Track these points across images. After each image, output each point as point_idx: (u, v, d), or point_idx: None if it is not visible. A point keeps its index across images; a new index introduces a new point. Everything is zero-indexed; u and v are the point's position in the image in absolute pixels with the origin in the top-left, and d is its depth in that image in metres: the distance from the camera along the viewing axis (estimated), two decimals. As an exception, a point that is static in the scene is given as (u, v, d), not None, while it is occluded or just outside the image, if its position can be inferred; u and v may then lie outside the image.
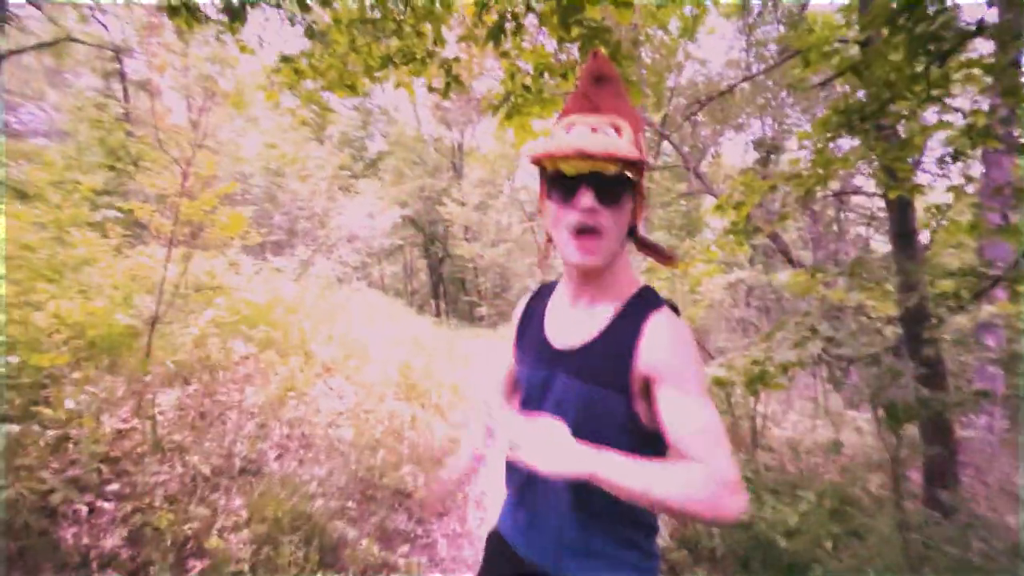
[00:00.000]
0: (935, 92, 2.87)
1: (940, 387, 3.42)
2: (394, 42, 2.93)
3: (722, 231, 3.41)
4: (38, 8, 11.46)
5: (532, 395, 0.93)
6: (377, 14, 2.77)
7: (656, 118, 12.76)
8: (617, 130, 0.83)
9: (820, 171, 3.23)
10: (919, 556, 1.88)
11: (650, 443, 0.84)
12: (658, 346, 0.83)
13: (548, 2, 2.63)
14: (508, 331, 1.08)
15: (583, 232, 0.82)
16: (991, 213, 6.10)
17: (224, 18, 2.14)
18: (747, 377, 2.78)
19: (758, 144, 12.66)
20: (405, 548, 2.33)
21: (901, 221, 3.97)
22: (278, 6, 2.36)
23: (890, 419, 2.39)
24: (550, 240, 0.91)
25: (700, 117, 12.34)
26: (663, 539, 2.38)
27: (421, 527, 2.54)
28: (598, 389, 0.85)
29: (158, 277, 4.26)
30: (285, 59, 2.73)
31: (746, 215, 3.31)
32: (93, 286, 4.03)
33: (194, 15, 2.17)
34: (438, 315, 11.65)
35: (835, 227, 11.55)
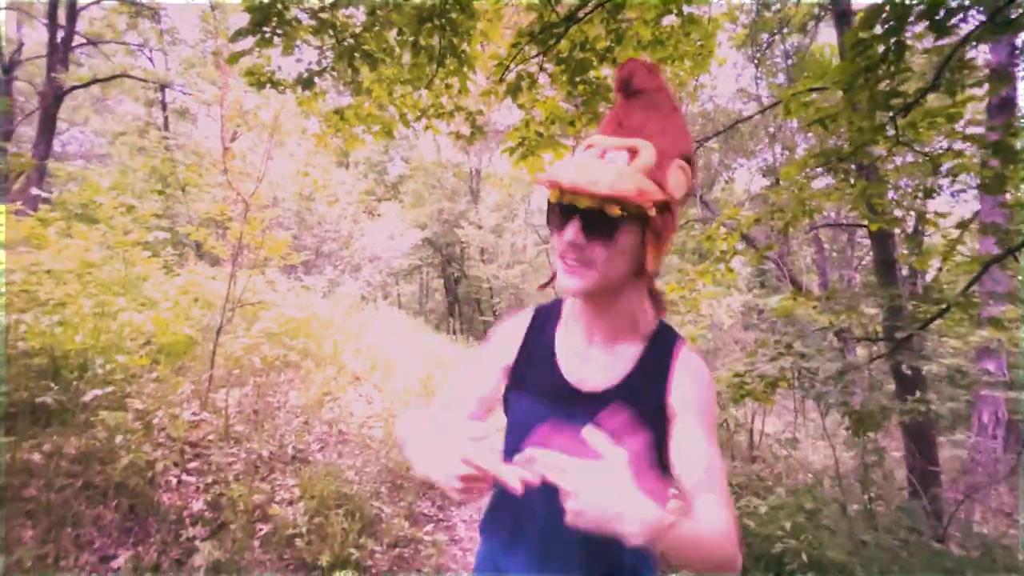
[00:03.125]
0: (903, 138, 3.28)
1: (923, 414, 3.73)
2: (426, 93, 3.44)
3: (712, 259, 3.79)
4: (94, 45, 12.47)
5: (535, 432, 0.78)
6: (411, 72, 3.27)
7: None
8: (632, 154, 0.74)
9: (799, 206, 3.62)
10: (860, 540, 2.21)
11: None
12: (686, 382, 0.81)
13: (558, 65, 3.11)
14: (489, 352, 0.93)
15: (567, 260, 0.77)
16: (990, 244, 6.41)
17: (298, 87, 2.66)
18: (731, 388, 3.14)
19: (766, 172, 13.04)
20: (429, 527, 2.71)
21: (882, 250, 4.33)
22: (333, 69, 2.86)
23: (854, 425, 2.73)
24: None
25: (712, 144, 12.78)
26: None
27: (443, 512, 2.93)
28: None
29: (209, 292, 4.78)
30: (337, 111, 3.24)
31: (733, 244, 3.71)
32: (151, 300, 4.55)
33: (275, 86, 2.70)
34: (453, 333, 12.09)
35: (848, 253, 11.81)
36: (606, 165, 0.74)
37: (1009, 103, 6.36)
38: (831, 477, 3.17)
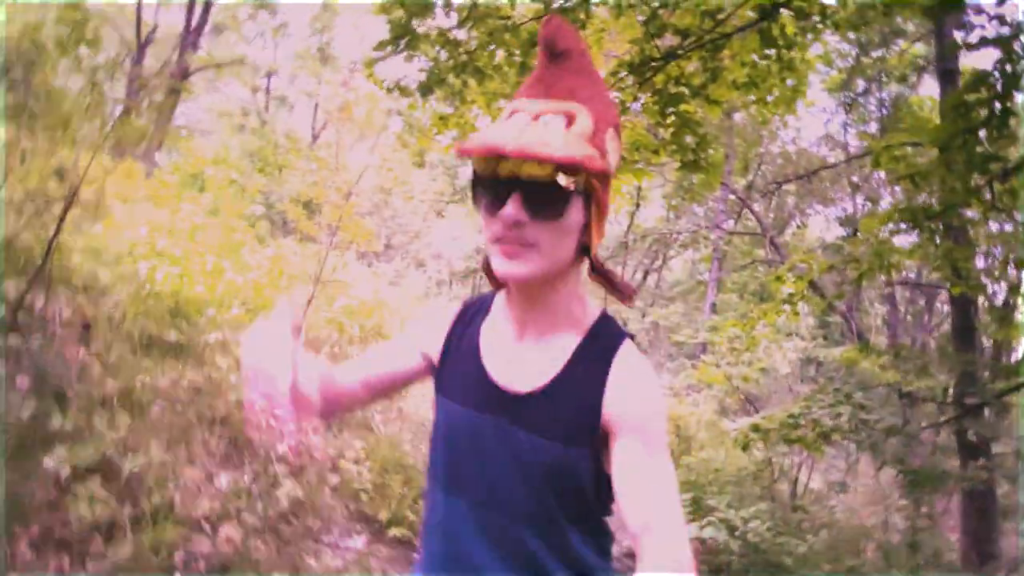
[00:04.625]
0: (999, 204, 3.22)
1: (986, 483, 3.57)
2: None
3: (778, 300, 3.80)
4: (220, 31, 13.78)
5: (459, 442, 0.74)
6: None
7: (741, 183, 13.01)
8: (569, 119, 0.65)
9: (877, 259, 3.58)
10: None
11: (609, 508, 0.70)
12: (626, 389, 0.69)
13: (651, 96, 3.28)
14: (407, 333, 0.91)
15: (505, 242, 0.65)
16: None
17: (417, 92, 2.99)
18: (783, 428, 3.15)
19: (844, 222, 12.56)
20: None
21: (962, 316, 4.17)
22: (444, 81, 3.17)
23: (910, 485, 2.69)
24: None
25: (788, 186, 12.45)
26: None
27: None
28: (567, 450, 0.68)
29: (295, 265, 5.23)
30: (443, 117, 3.56)
31: (802, 288, 3.71)
32: (248, 266, 5.05)
33: (404, 93, 3.04)
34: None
35: (924, 316, 11.16)
36: (549, 129, 0.63)
37: None
38: (877, 538, 3.11)
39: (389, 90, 3.18)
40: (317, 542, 2.13)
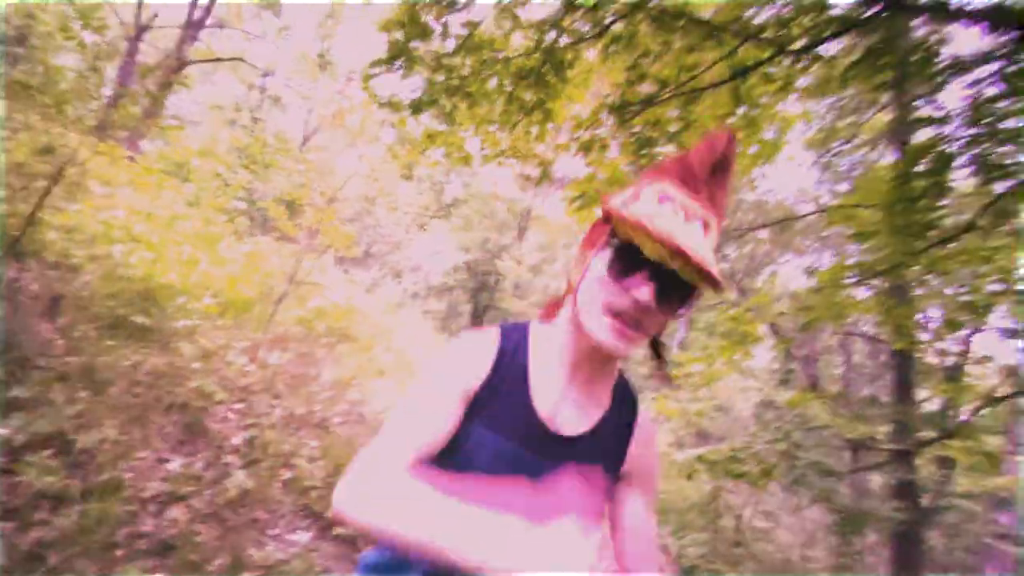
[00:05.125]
0: (934, 269, 3.49)
1: (911, 526, 3.78)
2: (507, 135, 3.88)
3: (734, 339, 4.00)
4: (222, 27, 13.85)
5: (495, 467, 0.75)
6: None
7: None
8: (706, 227, 0.71)
9: (826, 310, 3.82)
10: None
11: None
12: (645, 447, 0.82)
13: (628, 137, 3.50)
14: (449, 375, 0.77)
15: (622, 318, 0.70)
16: None
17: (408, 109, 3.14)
18: (726, 462, 3.30)
19: (810, 273, 13.10)
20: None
21: (901, 370, 4.45)
22: (436, 102, 3.33)
23: (839, 523, 2.86)
24: (571, 293, 0.77)
25: (762, 235, 12.97)
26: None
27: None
28: (598, 471, 0.77)
29: (270, 264, 5.26)
30: (431, 135, 3.70)
31: (755, 330, 3.92)
32: (223, 259, 5.05)
33: (396, 108, 3.18)
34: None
35: (873, 368, 11.62)
36: (703, 236, 0.69)
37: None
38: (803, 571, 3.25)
39: (382, 104, 3.33)
40: (262, 533, 2.16)
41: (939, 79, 2.63)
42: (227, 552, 1.94)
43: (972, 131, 2.76)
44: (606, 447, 0.80)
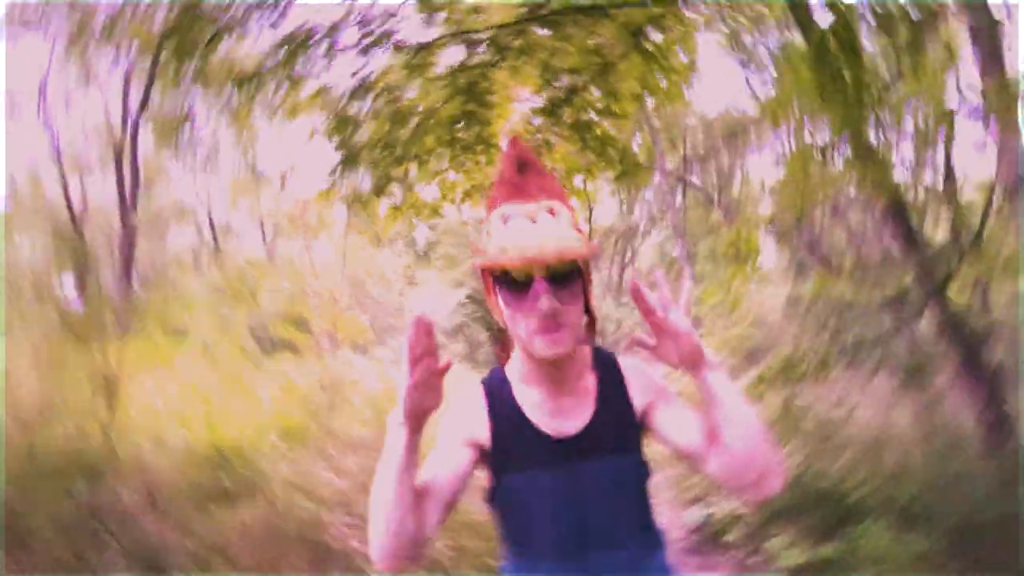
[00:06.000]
0: (887, 119, 3.70)
1: (969, 355, 3.93)
2: (462, 175, 4.10)
3: (740, 261, 4.19)
4: (149, 188, 14.10)
5: (550, 503, 0.82)
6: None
7: (673, 161, 13.71)
8: (552, 213, 0.79)
9: (806, 198, 4.01)
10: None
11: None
12: (641, 381, 0.89)
13: (566, 133, 3.71)
14: (451, 431, 0.86)
15: (546, 328, 0.78)
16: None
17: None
18: (786, 369, 3.47)
19: (779, 161, 13.33)
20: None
21: (899, 219, 4.62)
22: (392, 179, 3.55)
23: (907, 376, 3.01)
24: (503, 332, 0.88)
25: (719, 146, 13.21)
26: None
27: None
28: (626, 456, 0.85)
29: (305, 379, 5.42)
30: (397, 208, 3.92)
31: (755, 245, 4.11)
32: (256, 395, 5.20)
33: (364, 204, 3.41)
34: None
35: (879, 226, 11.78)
36: (555, 227, 0.79)
37: (995, 58, 6.63)
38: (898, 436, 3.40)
39: (350, 205, 3.54)
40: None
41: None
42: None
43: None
44: (614, 423, 0.86)
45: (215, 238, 16.44)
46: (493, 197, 0.86)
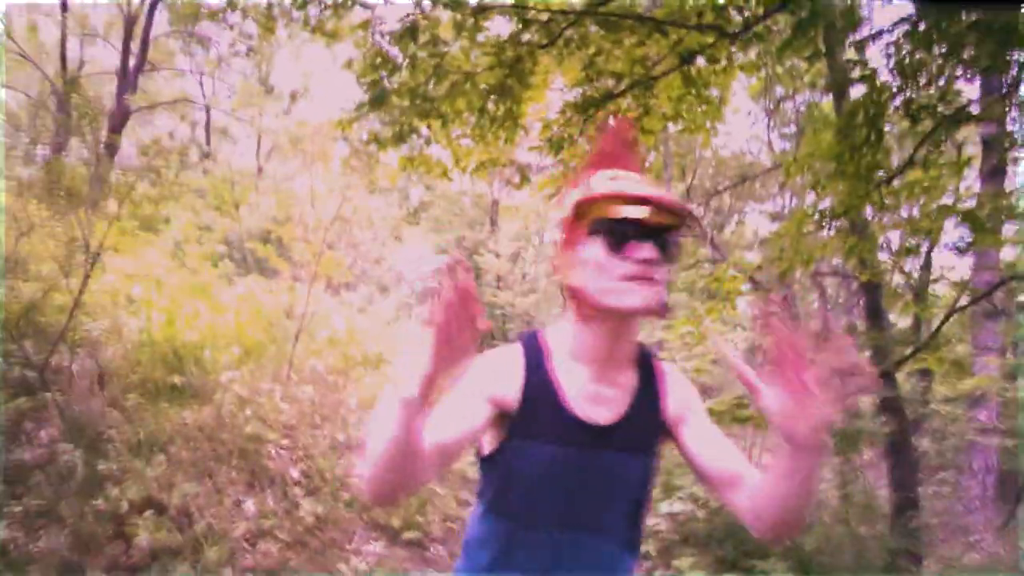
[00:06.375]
0: (888, 202, 3.88)
1: (901, 436, 4.21)
2: (479, 146, 4.10)
3: (718, 298, 4.33)
4: (156, 69, 13.53)
5: (548, 479, 0.80)
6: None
7: (679, 188, 13.90)
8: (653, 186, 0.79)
9: (796, 256, 4.17)
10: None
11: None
12: (678, 390, 0.88)
13: (592, 134, 3.75)
14: (476, 383, 0.80)
15: (639, 279, 0.74)
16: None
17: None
18: (731, 409, 3.65)
19: (774, 217, 13.69)
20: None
21: (871, 299, 4.87)
22: (415, 130, 3.52)
23: (837, 444, 3.22)
24: (571, 294, 0.82)
25: (723, 188, 13.47)
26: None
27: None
28: (648, 459, 0.84)
29: (274, 302, 5.38)
30: (409, 159, 3.89)
31: (738, 287, 4.26)
32: (222, 306, 5.16)
33: (381, 145, 3.38)
34: (468, 356, 12.63)
35: (851, 301, 12.31)
36: (662, 191, 0.78)
37: (999, 172, 6.96)
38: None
39: (367, 143, 3.50)
40: (343, 550, 2.39)
41: (859, 43, 2.96)
42: (320, 571, 2.17)
43: (897, 82, 3.11)
44: (642, 424, 0.84)
45: (208, 140, 15.93)
46: (593, 162, 0.85)
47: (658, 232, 0.76)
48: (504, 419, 0.82)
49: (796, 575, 2.38)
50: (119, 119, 10.04)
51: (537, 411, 0.81)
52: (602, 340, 0.82)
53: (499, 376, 0.83)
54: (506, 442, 0.82)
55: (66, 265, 3.19)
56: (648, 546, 3.01)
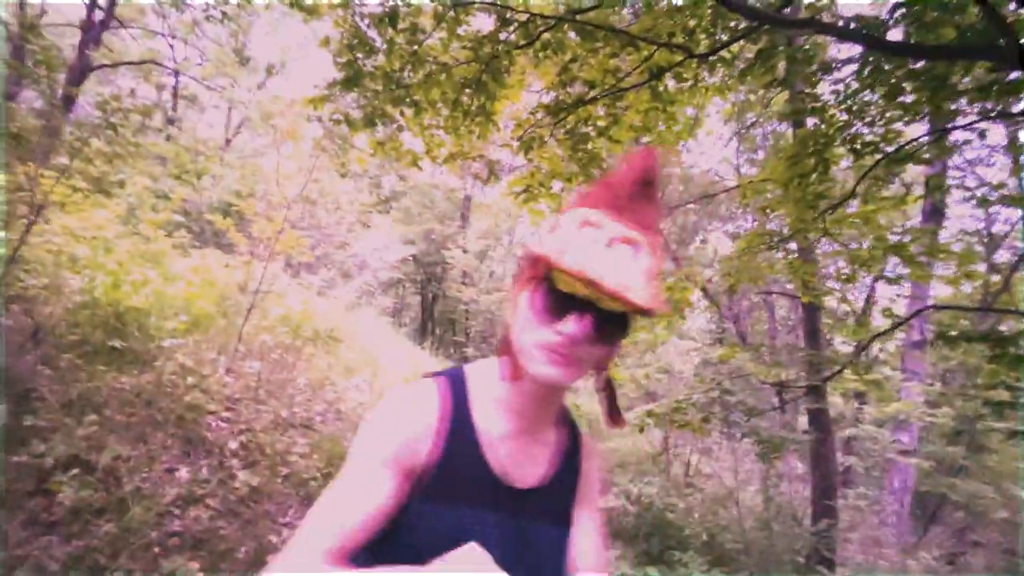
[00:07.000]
0: (833, 231, 4.13)
1: (825, 447, 4.50)
2: (451, 138, 4.14)
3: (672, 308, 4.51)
4: (123, 27, 12.93)
5: (454, 540, 0.64)
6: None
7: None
8: (635, 247, 0.65)
9: (744, 273, 4.40)
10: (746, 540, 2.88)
11: None
12: (592, 470, 0.81)
13: (564, 134, 3.86)
14: (383, 446, 0.67)
15: (564, 355, 0.66)
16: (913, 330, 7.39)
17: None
18: (672, 413, 3.82)
19: (735, 237, 14.24)
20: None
21: (810, 320, 5.17)
22: (386, 115, 3.53)
23: (761, 449, 3.43)
24: (508, 334, 0.72)
25: (691, 206, 13.92)
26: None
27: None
28: (566, 531, 0.76)
29: (227, 276, 5.27)
30: (379, 143, 3.90)
31: (687, 296, 4.46)
32: (173, 276, 5.01)
33: (352, 127, 3.36)
34: (427, 350, 12.61)
35: (791, 320, 12.93)
36: (634, 268, 0.64)
37: (938, 213, 7.48)
38: (737, 496, 3.85)
39: (337, 122, 3.49)
40: (275, 523, 2.40)
41: (814, 78, 3.17)
42: (250, 541, 2.18)
43: (844, 117, 3.34)
44: (561, 492, 0.77)
45: (175, 106, 15.30)
46: (588, 196, 0.71)
47: (604, 313, 0.64)
48: (413, 483, 0.68)
49: (711, 565, 2.53)
50: (79, 73, 9.55)
51: (454, 476, 0.70)
52: (527, 396, 0.73)
53: (410, 430, 0.69)
54: (406, 507, 0.68)
55: (7, 216, 3.06)
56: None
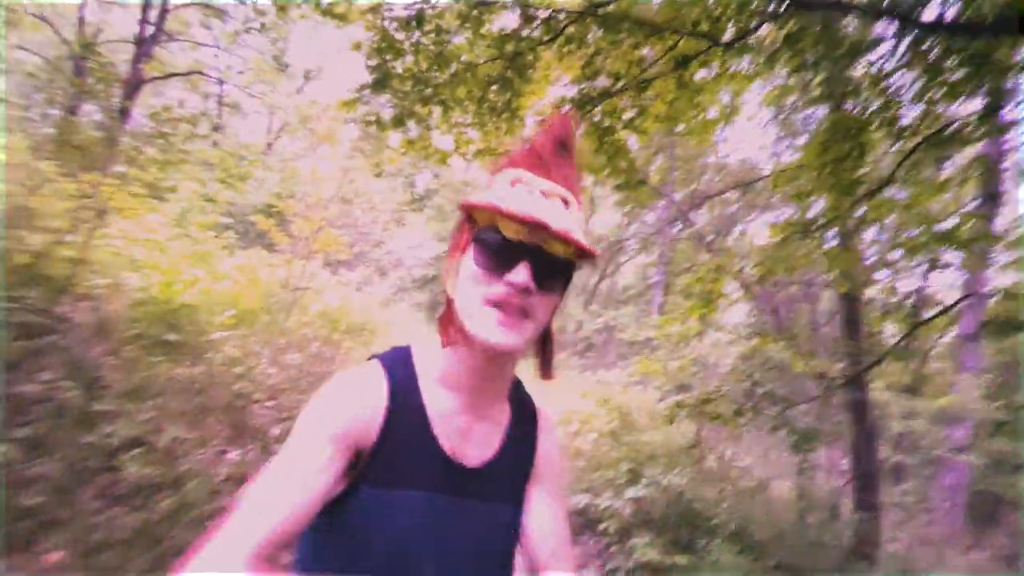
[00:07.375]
0: (872, 217, 4.00)
1: (863, 436, 4.37)
2: (479, 134, 4.22)
3: (702, 298, 4.46)
4: (173, 39, 13.63)
5: (411, 531, 0.67)
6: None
7: (682, 193, 14.00)
8: (565, 204, 0.68)
9: (778, 263, 4.30)
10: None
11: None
12: (549, 447, 0.80)
13: (589, 127, 3.88)
14: (324, 428, 0.65)
15: (505, 308, 0.65)
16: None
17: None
18: (699, 404, 3.80)
19: (772, 228, 13.79)
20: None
21: (848, 310, 5.01)
22: (415, 114, 3.65)
23: (794, 440, 3.37)
24: (450, 307, 0.70)
25: (730, 195, 13.56)
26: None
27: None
28: (516, 509, 0.76)
29: (271, 275, 5.54)
30: (410, 142, 4.03)
31: (719, 288, 4.40)
32: (220, 275, 5.31)
33: (381, 127, 3.50)
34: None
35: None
36: (568, 213, 0.67)
37: (993, 197, 7.07)
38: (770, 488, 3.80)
39: (368, 123, 3.64)
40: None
41: (843, 61, 3.08)
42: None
43: (879, 100, 3.23)
44: (513, 468, 0.76)
45: (220, 113, 16.02)
46: (511, 160, 0.73)
47: (543, 258, 0.65)
48: (352, 462, 0.67)
49: (739, 553, 2.54)
50: (133, 86, 10.14)
51: (401, 450, 0.68)
52: (472, 370, 0.71)
53: (355, 408, 0.68)
54: (353, 492, 0.66)
55: (74, 221, 3.34)
56: (608, 525, 3.16)
